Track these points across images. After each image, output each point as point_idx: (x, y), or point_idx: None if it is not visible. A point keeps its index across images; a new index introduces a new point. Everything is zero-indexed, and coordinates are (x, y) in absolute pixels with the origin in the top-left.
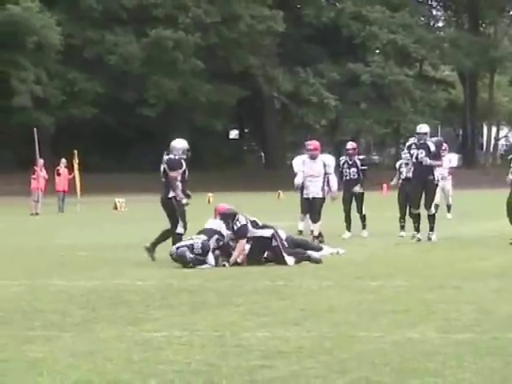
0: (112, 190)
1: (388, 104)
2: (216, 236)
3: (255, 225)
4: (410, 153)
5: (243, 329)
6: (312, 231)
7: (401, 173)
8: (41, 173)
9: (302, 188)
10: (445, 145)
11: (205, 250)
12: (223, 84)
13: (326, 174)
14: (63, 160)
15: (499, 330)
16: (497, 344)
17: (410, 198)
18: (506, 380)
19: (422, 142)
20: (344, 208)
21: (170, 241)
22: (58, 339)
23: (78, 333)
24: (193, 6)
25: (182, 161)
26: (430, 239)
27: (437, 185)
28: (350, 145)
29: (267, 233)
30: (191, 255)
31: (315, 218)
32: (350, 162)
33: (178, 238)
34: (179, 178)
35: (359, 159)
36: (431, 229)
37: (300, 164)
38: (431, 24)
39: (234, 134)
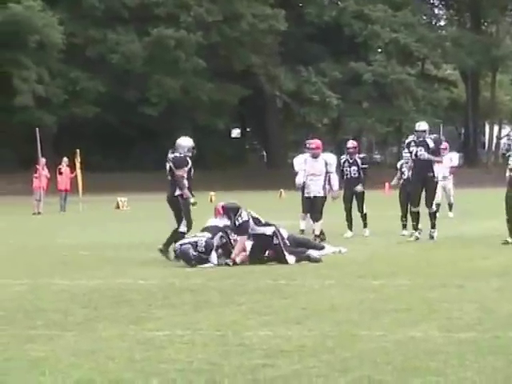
0: (114, 189)
1: (390, 103)
2: (220, 233)
3: (257, 222)
4: (409, 150)
5: (245, 328)
6: (314, 230)
7: (402, 173)
8: (43, 172)
9: (303, 187)
10: (445, 144)
11: (208, 249)
12: (225, 83)
13: (327, 172)
14: (65, 159)
15: (501, 329)
16: (499, 343)
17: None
18: (509, 379)
19: (421, 139)
20: (345, 207)
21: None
22: (60, 338)
23: (80, 332)
24: (194, 4)
25: (188, 158)
26: (432, 237)
27: (437, 182)
28: (351, 143)
29: (268, 231)
30: (194, 253)
31: (317, 217)
32: (351, 161)
33: (180, 236)
34: (185, 175)
35: (360, 158)
36: (433, 226)
37: (302, 163)
38: (433, 23)
39: (235, 132)
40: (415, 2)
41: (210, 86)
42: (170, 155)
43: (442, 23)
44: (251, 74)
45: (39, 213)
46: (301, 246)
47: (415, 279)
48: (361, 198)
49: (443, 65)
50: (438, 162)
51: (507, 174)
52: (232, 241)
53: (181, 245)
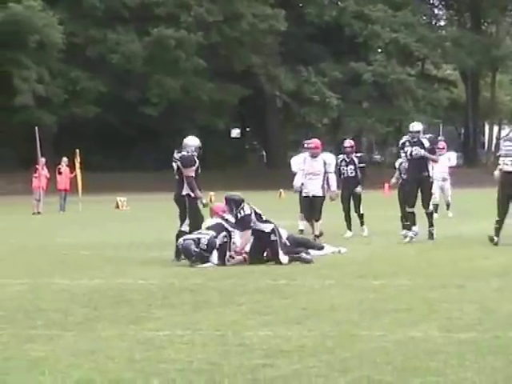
0: (114, 188)
1: (390, 103)
2: (224, 233)
3: (259, 217)
4: (403, 150)
5: (245, 328)
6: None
7: (401, 172)
8: (42, 172)
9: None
10: (443, 143)
11: (210, 247)
12: (225, 83)
13: (326, 172)
14: (64, 159)
15: (501, 329)
16: (499, 343)
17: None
18: (509, 379)
19: (415, 139)
20: (343, 207)
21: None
22: (59, 338)
23: (79, 332)
24: (195, 4)
25: (195, 157)
26: (431, 234)
27: (432, 182)
28: (348, 142)
29: (267, 228)
30: (196, 249)
31: (316, 217)
32: (348, 160)
33: (181, 235)
34: (193, 174)
35: (357, 157)
36: (431, 224)
37: (300, 163)
38: (433, 23)
39: (235, 132)
40: (415, 2)
41: (211, 85)
42: (177, 155)
43: (442, 23)
44: (251, 74)
45: (39, 212)
46: (300, 246)
47: (415, 279)
48: (358, 198)
49: (443, 65)
50: (434, 160)
51: (496, 173)
52: (232, 243)
53: (184, 240)
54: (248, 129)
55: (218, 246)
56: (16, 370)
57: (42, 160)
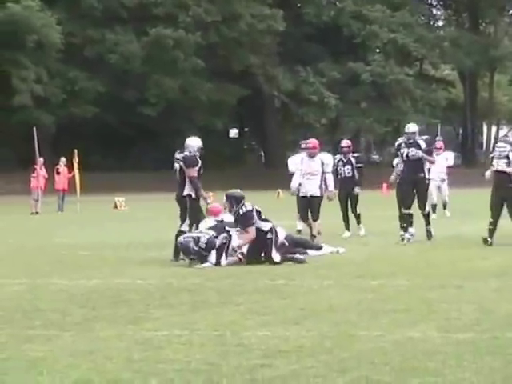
0: (113, 188)
1: (388, 103)
2: (224, 234)
3: (259, 215)
4: (400, 152)
5: (243, 328)
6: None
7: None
8: (41, 172)
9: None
10: (440, 143)
11: (209, 246)
12: (223, 83)
13: (323, 172)
14: (63, 159)
15: (499, 330)
16: (497, 343)
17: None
18: (507, 379)
19: (411, 141)
20: (341, 207)
21: (164, 240)
22: (58, 338)
23: (78, 332)
24: (193, 4)
25: (197, 158)
26: (429, 233)
27: (428, 183)
28: (345, 142)
29: (266, 226)
30: (195, 248)
31: (314, 217)
32: (345, 160)
33: (181, 235)
34: (196, 174)
35: (354, 157)
36: (428, 223)
37: (298, 163)
38: (431, 23)
39: (233, 132)
40: (413, 3)
41: (209, 86)
42: (179, 155)
43: (440, 23)
44: (250, 74)
45: (37, 213)
46: (299, 246)
47: (414, 279)
48: (355, 198)
49: (441, 65)
50: (431, 161)
51: (487, 173)
52: (230, 245)
53: (184, 238)
54: (246, 129)
55: (217, 246)
56: (14, 370)
57: (41, 160)
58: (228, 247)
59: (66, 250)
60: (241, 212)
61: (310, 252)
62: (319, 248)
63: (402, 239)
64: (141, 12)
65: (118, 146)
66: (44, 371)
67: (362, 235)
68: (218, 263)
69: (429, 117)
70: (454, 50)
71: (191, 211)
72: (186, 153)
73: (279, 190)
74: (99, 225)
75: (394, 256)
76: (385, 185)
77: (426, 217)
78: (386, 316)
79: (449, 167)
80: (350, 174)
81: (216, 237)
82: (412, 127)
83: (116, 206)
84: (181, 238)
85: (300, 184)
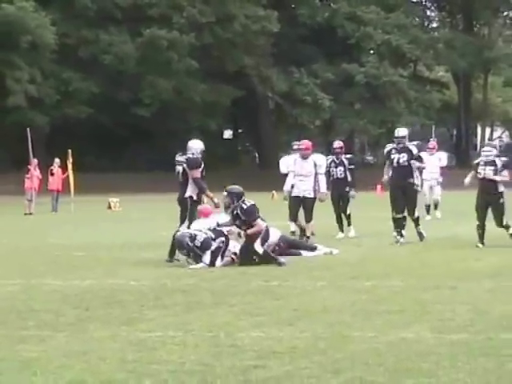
0: (107, 189)
1: (382, 104)
2: (222, 238)
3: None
4: (390, 158)
5: (237, 329)
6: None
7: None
8: (34, 172)
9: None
10: (434, 143)
11: (204, 246)
12: (218, 84)
13: (316, 173)
14: (56, 160)
15: (493, 331)
16: (491, 344)
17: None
18: (500, 380)
19: (401, 145)
20: (334, 209)
21: (158, 241)
22: (51, 339)
23: (71, 332)
24: (187, 5)
25: (200, 159)
26: (420, 234)
27: (416, 190)
28: (337, 143)
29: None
30: (190, 243)
31: (307, 218)
32: (337, 161)
33: None
34: (199, 175)
35: (347, 158)
36: (417, 225)
37: (290, 164)
38: (426, 25)
39: (228, 133)
40: (408, 4)
41: (203, 86)
42: (180, 157)
43: (435, 25)
44: (244, 75)
45: (31, 213)
46: (293, 247)
47: (408, 280)
48: (346, 199)
49: (435, 66)
50: (421, 168)
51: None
52: (227, 250)
53: (181, 233)
54: (240, 130)
55: (213, 248)
56: (8, 370)
57: (35, 161)
58: (224, 251)
59: (59, 250)
60: (244, 207)
61: (304, 253)
62: (313, 249)
63: (396, 241)
64: (135, 13)
65: (112, 146)
66: (38, 372)
67: (352, 236)
68: (212, 264)
69: (423, 118)
70: (448, 51)
71: (191, 213)
72: (189, 155)
73: (273, 192)
74: (93, 225)
75: (388, 257)
76: (379, 186)
77: (416, 220)
78: (380, 317)
79: (442, 168)
80: (343, 176)
81: (214, 239)
82: (402, 131)
83: (110, 207)
84: (177, 233)
85: (293, 186)
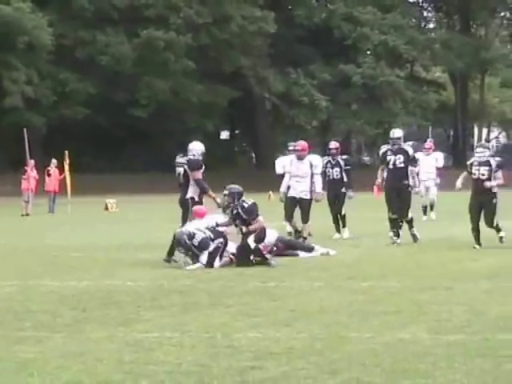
0: (103, 190)
1: (379, 105)
2: (221, 239)
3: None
4: (385, 160)
5: (234, 330)
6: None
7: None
8: (31, 173)
9: (287, 189)
10: (430, 143)
11: (201, 246)
12: (214, 84)
13: (312, 174)
14: (53, 160)
15: (490, 331)
16: (487, 345)
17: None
18: (497, 381)
19: (396, 147)
20: (330, 209)
21: (155, 242)
22: (48, 340)
23: (68, 333)
24: (184, 6)
25: (201, 161)
26: (414, 236)
27: (410, 192)
28: (333, 144)
29: None
30: (187, 241)
31: (304, 220)
32: (333, 162)
33: None
34: (201, 176)
35: (343, 159)
36: (411, 226)
37: (287, 165)
38: (422, 25)
39: (225, 134)
40: (404, 5)
41: (200, 87)
42: (181, 159)
43: (431, 26)
44: (241, 76)
45: (27, 214)
46: (290, 248)
47: (404, 281)
48: (342, 199)
49: (432, 67)
50: (414, 172)
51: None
52: (226, 251)
53: (181, 230)
54: (237, 131)
55: (211, 249)
56: (4, 371)
57: (31, 162)
58: (223, 251)
59: (57, 251)
60: (245, 205)
61: (301, 254)
62: (311, 249)
63: (393, 242)
64: (132, 14)
65: (108, 147)
66: (34, 373)
67: (346, 238)
68: (210, 265)
69: (420, 119)
70: (444, 52)
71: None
72: (190, 156)
73: (270, 192)
74: (90, 226)
75: (385, 258)
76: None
77: (409, 222)
78: (377, 318)
79: (439, 168)
80: (339, 177)
81: (212, 240)
82: (397, 132)
83: (107, 208)
84: (177, 230)
85: (289, 187)
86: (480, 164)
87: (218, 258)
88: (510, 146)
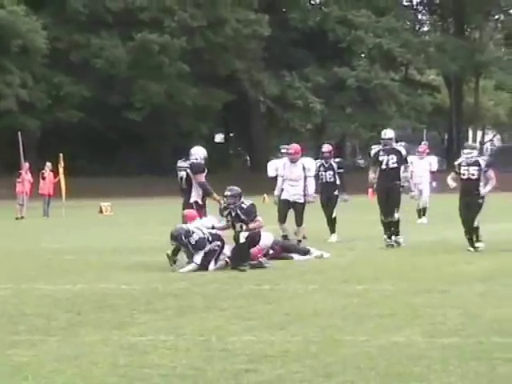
0: (98, 193)
1: (373, 108)
2: (219, 242)
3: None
4: (378, 160)
5: (229, 333)
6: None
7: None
8: (26, 176)
9: (280, 192)
10: (424, 147)
11: (197, 246)
12: (209, 88)
13: (305, 177)
14: (48, 164)
15: (485, 334)
16: (482, 348)
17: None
18: None
19: (388, 147)
20: (324, 212)
21: (149, 245)
22: (43, 343)
23: (63, 337)
24: (179, 9)
25: (203, 164)
26: (398, 243)
27: (400, 191)
28: (326, 147)
29: None
30: (184, 239)
31: (298, 222)
32: (326, 165)
33: None
34: (204, 180)
35: (335, 162)
36: (397, 233)
37: (280, 167)
38: (417, 28)
39: (219, 137)
40: (399, 8)
41: (194, 90)
42: (183, 163)
43: (426, 28)
44: (235, 79)
45: (22, 217)
46: (286, 251)
47: (399, 284)
48: (334, 202)
49: (427, 70)
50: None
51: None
52: (222, 254)
53: (180, 226)
54: (232, 134)
55: (207, 250)
56: None
57: (26, 165)
58: (219, 255)
59: (51, 254)
60: (244, 206)
61: (296, 257)
62: (306, 252)
63: (387, 245)
64: (126, 17)
65: (103, 150)
66: (29, 376)
67: (331, 241)
68: (204, 266)
69: (414, 122)
70: (439, 55)
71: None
72: (193, 160)
73: (265, 195)
74: (84, 230)
75: (379, 261)
76: (370, 190)
77: (395, 225)
78: (372, 321)
79: (433, 172)
80: (332, 180)
81: (210, 241)
82: (389, 133)
83: (101, 211)
84: (177, 226)
85: (282, 189)
86: (469, 164)
87: (213, 262)
88: (505, 149)
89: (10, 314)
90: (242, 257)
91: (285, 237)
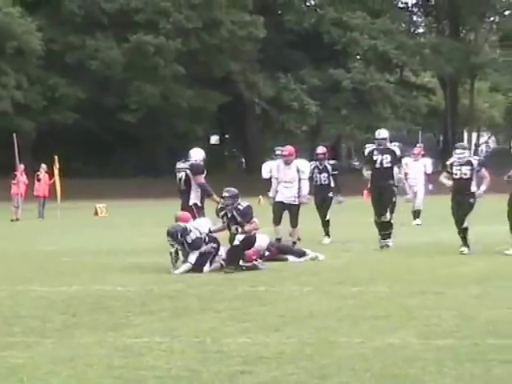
0: (93, 195)
1: (369, 110)
2: (214, 245)
3: None
4: (372, 159)
5: (224, 335)
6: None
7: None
8: (21, 178)
9: (275, 194)
10: (419, 149)
11: (193, 245)
12: (204, 89)
13: (300, 179)
14: (43, 165)
15: (480, 336)
16: (477, 350)
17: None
18: None
19: (382, 147)
20: (319, 214)
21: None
22: (38, 345)
23: (58, 339)
24: (174, 11)
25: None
26: (387, 246)
27: (394, 191)
28: (321, 149)
29: None
30: (180, 236)
31: (293, 224)
32: (321, 167)
33: None
34: (204, 181)
35: (330, 164)
36: (388, 236)
37: (274, 169)
38: (412, 30)
39: (214, 139)
40: (394, 10)
41: (190, 92)
42: (183, 164)
43: (421, 30)
44: (230, 81)
45: (17, 219)
46: (282, 253)
47: (394, 286)
48: (328, 204)
49: (422, 72)
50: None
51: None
52: (217, 256)
53: (178, 223)
54: (227, 135)
55: (202, 250)
56: None
57: (21, 166)
58: (214, 257)
59: (46, 256)
60: (241, 208)
61: (291, 258)
62: (302, 254)
63: (382, 246)
64: (121, 18)
65: (98, 152)
66: (24, 378)
67: (324, 243)
68: (199, 268)
69: (409, 123)
70: (434, 56)
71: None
72: (192, 161)
73: (260, 197)
74: (80, 231)
75: (374, 262)
76: (365, 191)
77: (388, 226)
78: (367, 322)
79: (428, 175)
80: (326, 182)
81: (206, 242)
82: (383, 133)
83: (97, 213)
84: (175, 224)
85: (277, 191)
86: (461, 164)
87: (208, 263)
88: (500, 151)
89: (5, 316)
90: (236, 259)
91: (278, 240)
